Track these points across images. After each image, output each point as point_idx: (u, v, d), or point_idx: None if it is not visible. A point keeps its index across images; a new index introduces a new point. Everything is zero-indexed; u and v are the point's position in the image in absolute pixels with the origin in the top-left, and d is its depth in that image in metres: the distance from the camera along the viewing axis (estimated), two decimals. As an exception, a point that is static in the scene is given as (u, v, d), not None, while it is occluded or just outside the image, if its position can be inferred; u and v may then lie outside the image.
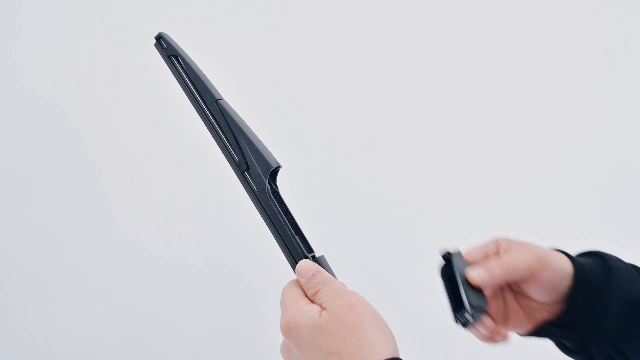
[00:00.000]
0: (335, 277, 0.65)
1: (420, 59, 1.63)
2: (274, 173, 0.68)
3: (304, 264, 0.64)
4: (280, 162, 0.68)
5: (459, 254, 0.71)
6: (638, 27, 1.57)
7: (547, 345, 0.75)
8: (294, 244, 0.66)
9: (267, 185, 0.67)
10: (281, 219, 0.67)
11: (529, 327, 0.72)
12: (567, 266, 0.69)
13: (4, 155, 1.71)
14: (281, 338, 0.64)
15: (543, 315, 0.72)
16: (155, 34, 0.72)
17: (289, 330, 0.61)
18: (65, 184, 1.70)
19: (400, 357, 0.58)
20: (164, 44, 0.72)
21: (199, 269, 1.70)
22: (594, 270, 0.70)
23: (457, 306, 0.67)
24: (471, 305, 0.66)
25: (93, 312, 1.70)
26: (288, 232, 0.66)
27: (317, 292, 0.62)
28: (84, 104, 1.69)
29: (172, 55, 0.71)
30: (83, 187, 1.70)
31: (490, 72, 1.62)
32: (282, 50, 1.66)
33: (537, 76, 1.61)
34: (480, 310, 0.67)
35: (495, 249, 0.71)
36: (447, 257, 0.70)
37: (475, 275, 0.67)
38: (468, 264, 0.70)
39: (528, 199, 1.60)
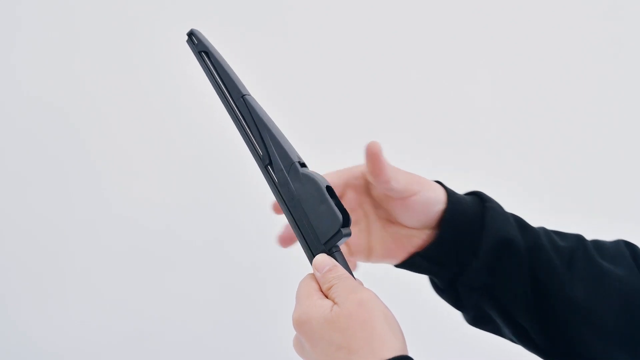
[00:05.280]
0: (351, 271, 0.66)
1: (427, 59, 1.64)
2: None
3: (321, 258, 0.65)
4: (302, 158, 0.69)
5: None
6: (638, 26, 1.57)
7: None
8: (313, 238, 0.67)
9: (289, 179, 0.68)
10: (302, 213, 0.67)
11: (400, 257, 0.72)
12: (441, 195, 0.70)
13: (3, 155, 1.71)
14: (293, 333, 0.65)
15: (413, 244, 0.72)
16: (187, 30, 0.73)
17: (301, 324, 0.62)
18: (66, 184, 1.70)
19: (410, 355, 0.58)
20: (195, 40, 0.73)
21: (205, 266, 1.70)
22: (469, 207, 0.70)
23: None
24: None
25: (94, 313, 1.70)
26: (308, 226, 0.67)
27: (331, 287, 0.63)
28: (84, 104, 1.69)
29: (203, 52, 0.73)
30: (84, 186, 1.70)
31: (490, 71, 1.63)
32: (289, 49, 1.67)
33: (538, 75, 1.61)
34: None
35: (360, 177, 0.72)
36: None
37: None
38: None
39: (530, 197, 1.61)
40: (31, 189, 1.70)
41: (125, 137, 1.69)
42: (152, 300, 1.70)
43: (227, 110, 0.72)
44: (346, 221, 0.66)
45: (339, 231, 0.65)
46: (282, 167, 0.68)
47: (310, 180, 0.66)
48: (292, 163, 0.68)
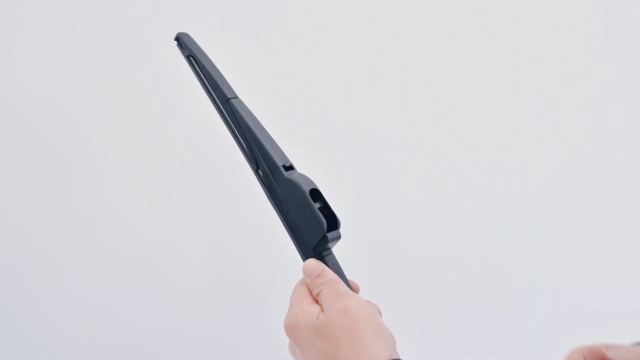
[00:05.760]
0: (344, 274, 0.66)
1: (427, 59, 1.64)
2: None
3: (310, 263, 0.65)
4: (291, 161, 0.68)
5: None
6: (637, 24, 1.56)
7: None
8: (303, 243, 0.66)
9: (275, 184, 0.67)
10: (291, 218, 0.67)
11: None
12: None
13: (7, 155, 1.71)
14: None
15: None
16: (174, 35, 0.72)
17: (291, 330, 0.62)
18: (66, 184, 1.70)
19: (402, 357, 0.58)
20: (182, 44, 0.72)
21: (206, 264, 1.70)
22: None
23: None
24: None
25: (97, 310, 1.70)
26: (297, 230, 0.66)
27: (320, 293, 0.63)
28: (84, 104, 1.69)
29: (190, 56, 0.72)
30: (86, 185, 1.70)
31: (490, 71, 1.63)
32: (289, 49, 1.67)
33: (537, 74, 1.61)
34: None
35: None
36: None
37: None
38: None
39: (535, 196, 1.60)
40: (31, 188, 1.71)
41: (125, 137, 1.69)
42: (153, 299, 1.70)
43: (219, 114, 0.71)
44: (332, 225, 0.65)
45: (324, 236, 0.64)
46: (268, 172, 0.67)
47: (294, 185, 0.65)
48: (277, 168, 0.67)
